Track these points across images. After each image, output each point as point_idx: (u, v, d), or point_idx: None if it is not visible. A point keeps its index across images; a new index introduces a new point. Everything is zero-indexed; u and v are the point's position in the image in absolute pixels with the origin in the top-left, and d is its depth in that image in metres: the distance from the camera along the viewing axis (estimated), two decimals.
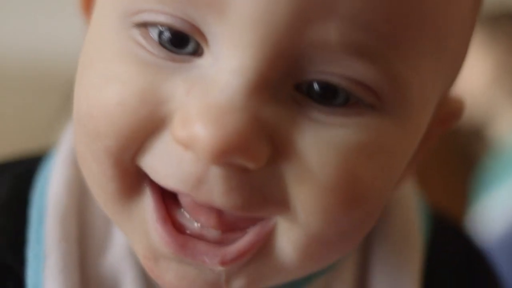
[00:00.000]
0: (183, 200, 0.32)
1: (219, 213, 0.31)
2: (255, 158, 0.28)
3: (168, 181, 0.30)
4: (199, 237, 0.31)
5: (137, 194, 0.32)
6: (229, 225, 0.31)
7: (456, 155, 1.53)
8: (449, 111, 0.38)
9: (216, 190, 0.29)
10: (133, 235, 0.33)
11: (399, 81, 0.30)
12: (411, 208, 0.40)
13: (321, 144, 0.29)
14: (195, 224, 0.32)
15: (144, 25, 0.31)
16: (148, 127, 0.30)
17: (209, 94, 0.29)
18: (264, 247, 0.32)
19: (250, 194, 0.30)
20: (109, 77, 0.30)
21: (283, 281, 0.34)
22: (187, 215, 0.32)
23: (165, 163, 0.30)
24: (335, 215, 0.30)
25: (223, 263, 0.31)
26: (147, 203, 0.32)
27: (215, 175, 0.29)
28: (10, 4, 2.84)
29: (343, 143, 0.30)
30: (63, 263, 0.35)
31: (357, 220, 0.31)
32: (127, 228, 0.33)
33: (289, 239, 0.31)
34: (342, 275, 0.38)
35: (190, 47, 0.30)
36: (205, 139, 0.28)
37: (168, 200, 0.32)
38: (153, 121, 0.30)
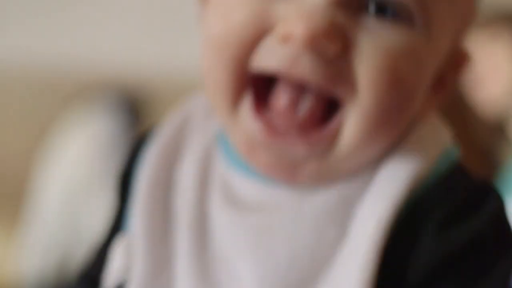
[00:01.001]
0: (275, 104, 0.45)
1: (302, 118, 0.44)
2: (334, 42, 0.42)
3: (272, 64, 0.44)
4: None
5: (242, 98, 0.45)
6: (308, 124, 0.44)
7: (479, 156, 1.50)
8: (459, 57, 0.50)
9: (308, 67, 0.43)
10: (236, 132, 0.46)
11: (426, 5, 0.44)
12: (429, 139, 0.48)
13: (376, 42, 0.43)
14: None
15: None
16: (260, 34, 0.44)
17: (303, 7, 0.43)
18: (333, 133, 0.44)
19: (331, 72, 0.43)
20: (234, 9, 0.45)
21: (344, 170, 0.45)
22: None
23: (270, 53, 0.44)
24: (384, 91, 0.43)
25: (305, 143, 0.44)
26: (248, 107, 0.45)
27: (307, 57, 0.42)
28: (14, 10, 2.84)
29: (390, 43, 0.44)
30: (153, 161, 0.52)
31: (397, 101, 0.44)
32: (232, 128, 0.47)
33: (352, 120, 0.44)
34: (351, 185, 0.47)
35: None
36: (301, 29, 0.42)
37: (263, 102, 0.45)
38: (264, 30, 0.44)
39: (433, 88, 0.48)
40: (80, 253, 1.77)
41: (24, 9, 2.86)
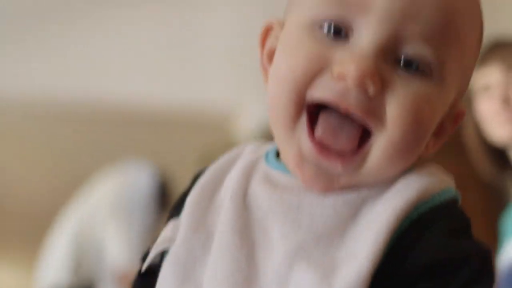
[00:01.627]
0: (323, 130, 0.58)
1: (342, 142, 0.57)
2: (376, 83, 0.55)
3: (325, 95, 0.56)
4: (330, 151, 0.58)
5: (298, 122, 0.58)
6: (346, 148, 0.57)
7: (489, 192, 1.52)
8: (457, 111, 0.63)
9: (353, 101, 0.56)
10: (290, 148, 0.59)
11: (443, 62, 0.58)
12: (435, 178, 0.59)
13: (405, 88, 0.57)
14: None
15: (319, 24, 0.58)
16: (316, 72, 0.57)
17: (355, 54, 0.56)
18: (363, 156, 0.57)
19: (369, 106, 0.56)
20: (298, 52, 0.58)
21: (368, 182, 0.58)
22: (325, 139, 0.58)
23: (326, 87, 0.56)
24: (408, 128, 0.56)
25: (342, 163, 0.57)
26: (303, 128, 0.58)
27: (354, 92, 0.56)
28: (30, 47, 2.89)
29: (415, 89, 0.57)
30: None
31: (416, 137, 0.57)
32: (287, 144, 0.59)
33: (379, 147, 0.57)
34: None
35: (343, 34, 0.57)
36: (353, 71, 0.55)
37: (313, 127, 0.58)
38: (321, 69, 0.57)
39: (434, 133, 0.61)
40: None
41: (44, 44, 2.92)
